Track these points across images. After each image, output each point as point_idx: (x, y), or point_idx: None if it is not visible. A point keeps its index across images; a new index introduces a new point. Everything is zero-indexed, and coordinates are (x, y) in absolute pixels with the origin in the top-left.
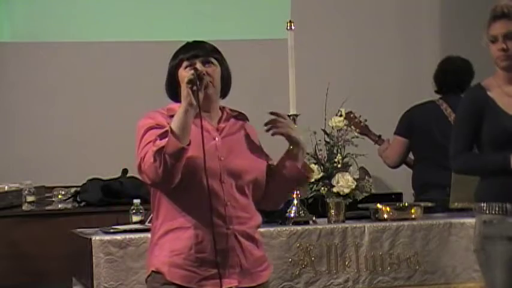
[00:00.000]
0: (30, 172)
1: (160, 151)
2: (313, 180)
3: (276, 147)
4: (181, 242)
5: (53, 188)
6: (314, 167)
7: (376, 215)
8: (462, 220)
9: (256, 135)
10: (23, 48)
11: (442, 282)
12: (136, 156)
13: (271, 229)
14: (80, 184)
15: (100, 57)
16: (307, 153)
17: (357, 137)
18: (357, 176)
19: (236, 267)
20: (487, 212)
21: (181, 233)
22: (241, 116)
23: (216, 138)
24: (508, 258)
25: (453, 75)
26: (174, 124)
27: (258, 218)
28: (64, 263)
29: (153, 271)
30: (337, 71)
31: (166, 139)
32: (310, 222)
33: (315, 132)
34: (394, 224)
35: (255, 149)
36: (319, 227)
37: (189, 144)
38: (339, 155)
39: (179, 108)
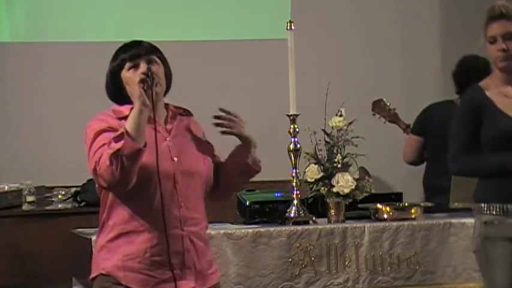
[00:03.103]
0: (30, 172)
1: (116, 153)
2: (313, 180)
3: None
4: (135, 245)
5: (53, 188)
6: (314, 167)
7: (376, 215)
8: (462, 220)
9: (199, 129)
10: (23, 48)
11: (442, 282)
12: (89, 159)
13: (271, 229)
14: (80, 184)
15: (100, 57)
16: (307, 153)
17: (357, 137)
18: (357, 176)
19: (191, 268)
20: (487, 212)
21: (135, 237)
22: (186, 113)
23: (167, 139)
24: (508, 259)
25: (473, 75)
26: (129, 126)
27: (207, 219)
28: (64, 263)
29: (101, 274)
30: (337, 71)
31: (122, 141)
32: (310, 222)
33: (315, 132)
34: (394, 224)
35: (201, 145)
36: (319, 227)
37: (145, 146)
38: (339, 155)
39: (133, 110)
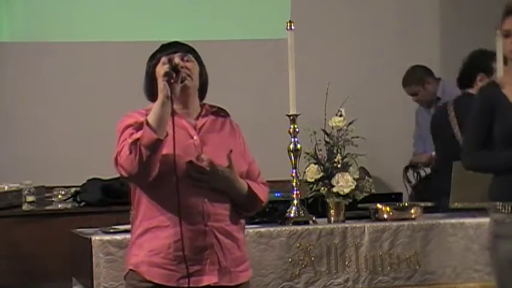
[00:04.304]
0: (30, 172)
1: (135, 143)
2: (313, 180)
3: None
4: (159, 240)
5: (53, 188)
6: (314, 167)
7: (376, 215)
8: (462, 220)
9: (240, 134)
10: (23, 48)
11: (442, 282)
12: (114, 152)
13: (271, 229)
14: (80, 184)
15: (100, 57)
16: (307, 153)
17: (357, 137)
18: (357, 176)
19: (215, 264)
20: (502, 211)
21: (160, 232)
22: (222, 112)
23: (195, 137)
24: None
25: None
26: (150, 116)
27: (238, 217)
28: (64, 263)
29: (130, 269)
30: (337, 71)
31: (142, 131)
32: (310, 222)
33: (315, 132)
34: (394, 224)
35: (238, 148)
36: (319, 227)
37: (165, 137)
38: (338, 155)
39: (156, 102)
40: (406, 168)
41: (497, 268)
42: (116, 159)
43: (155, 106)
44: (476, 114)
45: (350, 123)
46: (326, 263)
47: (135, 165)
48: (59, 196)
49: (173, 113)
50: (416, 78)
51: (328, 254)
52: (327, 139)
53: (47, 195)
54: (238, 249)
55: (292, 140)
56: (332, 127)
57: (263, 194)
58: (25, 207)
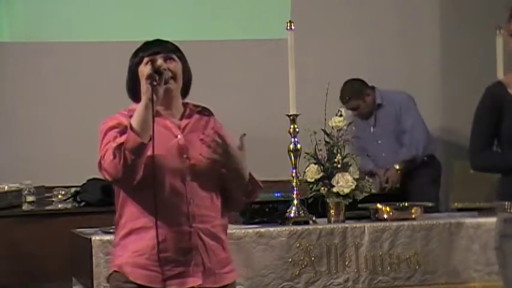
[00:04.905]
0: (30, 172)
1: (120, 147)
2: (313, 180)
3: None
4: (144, 242)
5: (53, 188)
6: (314, 167)
7: (376, 215)
8: (462, 220)
9: (218, 130)
10: (23, 48)
11: (442, 282)
12: (98, 155)
13: (271, 229)
14: (80, 184)
15: (100, 57)
16: (307, 153)
17: (358, 136)
18: (357, 176)
19: (200, 266)
20: (510, 210)
21: (145, 233)
22: (205, 111)
23: (179, 136)
24: None
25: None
26: (134, 120)
27: (225, 219)
28: (64, 263)
29: (114, 271)
30: (337, 71)
31: (126, 135)
32: (310, 222)
33: (315, 132)
34: (394, 224)
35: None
36: (319, 227)
37: (149, 140)
38: (338, 155)
39: (139, 104)
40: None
41: (505, 267)
42: (100, 163)
43: (138, 109)
44: (482, 113)
45: (350, 123)
46: (326, 263)
47: (120, 170)
48: (59, 196)
49: (154, 116)
50: (356, 92)
51: (328, 254)
52: (327, 139)
53: (47, 195)
54: (223, 250)
55: (292, 140)
56: (332, 127)
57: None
58: (25, 207)
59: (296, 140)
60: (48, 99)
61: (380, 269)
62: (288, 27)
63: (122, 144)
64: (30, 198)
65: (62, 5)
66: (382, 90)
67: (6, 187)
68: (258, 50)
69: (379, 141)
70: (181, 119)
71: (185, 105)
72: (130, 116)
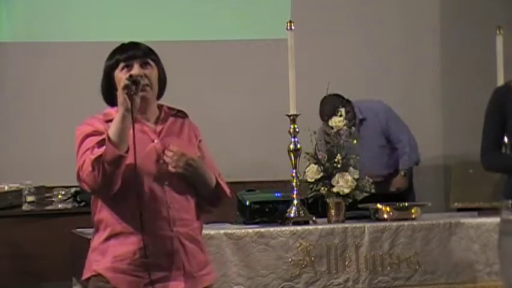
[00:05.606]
0: (30, 172)
1: (98, 159)
2: (313, 180)
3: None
4: (124, 247)
5: (53, 188)
6: (314, 167)
7: (376, 215)
8: (462, 220)
9: (193, 131)
10: (23, 48)
11: (442, 282)
12: (76, 164)
13: (271, 229)
14: None
15: (100, 57)
16: (307, 153)
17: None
18: (357, 176)
19: (181, 269)
20: None
21: (124, 239)
22: (180, 114)
23: (155, 141)
24: None
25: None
26: (112, 131)
27: (200, 220)
28: (64, 263)
29: (93, 275)
30: (337, 71)
31: (104, 147)
32: (310, 222)
33: (315, 132)
34: (394, 224)
35: (194, 149)
36: (319, 227)
37: (127, 151)
38: (338, 155)
39: (116, 115)
40: None
41: (505, 266)
42: (78, 174)
43: (116, 120)
44: (490, 115)
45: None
46: (326, 263)
47: (99, 181)
48: (59, 196)
49: (134, 125)
50: (335, 109)
51: (328, 254)
52: (327, 139)
53: (47, 195)
54: (202, 252)
55: (292, 140)
56: (332, 127)
57: (228, 189)
58: (25, 207)
59: (296, 140)
60: (48, 99)
61: (380, 269)
62: (288, 27)
63: (100, 156)
64: (30, 198)
65: (62, 5)
66: (358, 102)
67: (6, 187)
68: (258, 50)
69: (363, 153)
70: (156, 122)
71: (160, 108)
72: (107, 121)
